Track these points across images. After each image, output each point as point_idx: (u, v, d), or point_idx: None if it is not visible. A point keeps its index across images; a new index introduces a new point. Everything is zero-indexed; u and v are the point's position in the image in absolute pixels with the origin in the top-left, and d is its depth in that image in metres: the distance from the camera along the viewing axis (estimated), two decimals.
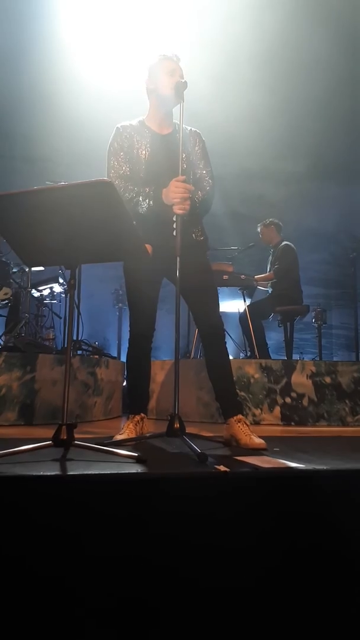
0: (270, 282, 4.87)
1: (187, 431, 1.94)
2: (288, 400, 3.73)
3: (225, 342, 2.38)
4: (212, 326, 2.34)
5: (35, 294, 4.92)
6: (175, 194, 2.10)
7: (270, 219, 5.04)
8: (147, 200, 2.20)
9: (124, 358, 6.12)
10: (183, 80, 2.20)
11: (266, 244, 5.05)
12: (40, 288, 4.92)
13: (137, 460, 1.60)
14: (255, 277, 4.82)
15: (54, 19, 5.97)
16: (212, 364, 2.35)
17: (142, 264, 2.21)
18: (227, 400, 2.32)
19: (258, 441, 2.09)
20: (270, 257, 5.05)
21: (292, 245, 4.91)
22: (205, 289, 2.34)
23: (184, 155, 2.26)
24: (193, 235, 2.33)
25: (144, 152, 2.31)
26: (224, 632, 1.33)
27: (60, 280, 4.87)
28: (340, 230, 7.82)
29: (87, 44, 5.94)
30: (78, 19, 5.98)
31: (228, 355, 2.41)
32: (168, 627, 1.31)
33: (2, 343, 4.21)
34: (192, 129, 2.41)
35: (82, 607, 1.26)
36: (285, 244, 4.90)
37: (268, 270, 5.01)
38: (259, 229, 5.06)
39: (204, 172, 2.35)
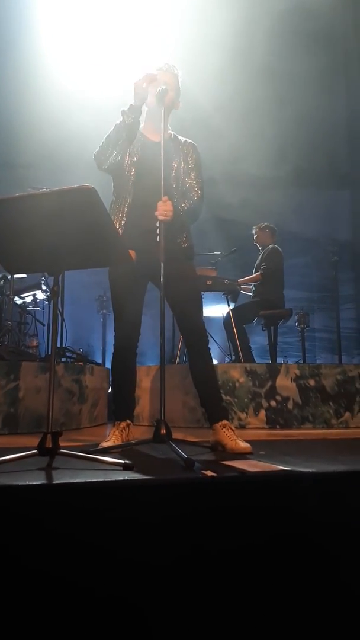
0: (254, 283, 4.89)
1: (173, 437, 1.94)
2: (273, 403, 3.75)
3: (209, 348, 2.39)
4: (195, 332, 2.34)
5: (18, 301, 4.87)
6: (159, 216, 2.12)
7: (266, 223, 5.09)
8: (125, 208, 2.24)
9: (108, 364, 6.07)
10: (162, 87, 2.22)
11: (260, 245, 5.08)
12: (22, 295, 4.87)
13: (124, 467, 1.59)
14: (240, 280, 4.84)
15: (35, 24, 5.96)
16: (196, 370, 2.36)
17: (126, 269, 2.21)
18: (212, 406, 2.33)
19: (244, 445, 2.11)
20: (258, 259, 5.08)
21: (279, 249, 4.95)
22: (188, 296, 2.35)
23: (175, 164, 2.29)
24: (178, 241, 2.34)
25: (134, 158, 2.35)
26: (223, 632, 1.33)
27: (43, 287, 4.83)
28: (322, 234, 7.91)
29: (69, 49, 5.94)
30: (60, 25, 5.97)
31: (212, 361, 2.41)
32: (160, 631, 1.30)
33: None
34: (188, 140, 2.45)
35: (71, 612, 1.25)
36: (273, 246, 4.94)
37: (254, 271, 5.04)
38: (253, 232, 5.08)
39: (194, 182, 2.39)
